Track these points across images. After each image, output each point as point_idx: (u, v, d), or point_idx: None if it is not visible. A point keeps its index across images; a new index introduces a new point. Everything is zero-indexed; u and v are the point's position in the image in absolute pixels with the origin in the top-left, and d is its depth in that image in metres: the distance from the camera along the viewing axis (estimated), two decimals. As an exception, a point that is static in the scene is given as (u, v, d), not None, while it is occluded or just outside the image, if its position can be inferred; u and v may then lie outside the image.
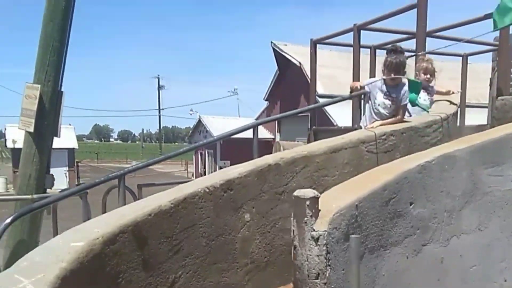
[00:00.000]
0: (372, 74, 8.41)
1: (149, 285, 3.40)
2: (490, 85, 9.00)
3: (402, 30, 7.81)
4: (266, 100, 28.93)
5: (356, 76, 7.69)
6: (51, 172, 5.62)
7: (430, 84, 5.71)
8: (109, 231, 3.12)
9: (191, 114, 47.90)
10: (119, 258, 3.18)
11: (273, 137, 27.61)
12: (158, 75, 66.82)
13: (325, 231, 2.62)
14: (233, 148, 26.56)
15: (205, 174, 32.35)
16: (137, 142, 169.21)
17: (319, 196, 2.67)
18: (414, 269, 3.43)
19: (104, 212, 5.65)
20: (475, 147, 3.73)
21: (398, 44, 5.36)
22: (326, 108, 22.63)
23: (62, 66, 5.55)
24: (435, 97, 5.83)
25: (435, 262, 3.59)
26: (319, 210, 2.68)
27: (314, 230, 2.63)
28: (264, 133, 28.37)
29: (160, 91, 66.46)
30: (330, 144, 4.54)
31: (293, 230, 2.69)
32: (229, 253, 3.95)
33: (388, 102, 5.04)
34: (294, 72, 25.59)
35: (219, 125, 31.12)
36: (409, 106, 5.22)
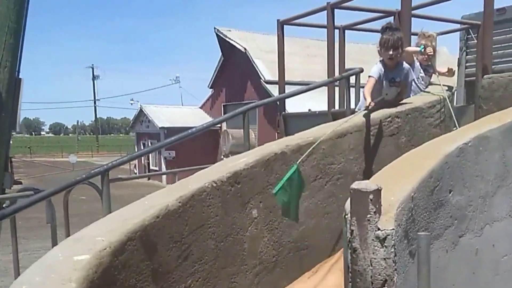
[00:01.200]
0: (342, 57, 8.05)
1: (159, 299, 2.90)
2: (458, 65, 8.91)
3: (381, 8, 7.50)
4: (211, 88, 28.30)
5: (331, 61, 7.31)
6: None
7: (429, 63, 5.37)
8: (116, 239, 2.60)
9: (131, 104, 46.48)
10: (128, 270, 2.67)
11: (219, 125, 27.04)
12: (92, 64, 64.48)
13: (393, 229, 2.23)
14: (177, 138, 25.86)
15: (149, 166, 31.42)
16: (70, 134, 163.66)
17: (382, 189, 2.27)
18: (452, 264, 3.11)
19: (67, 213, 5.03)
20: (505, 126, 3.44)
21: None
22: (276, 95, 22.35)
23: (20, 50, 4.86)
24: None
25: (470, 254, 3.28)
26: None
27: (379, 229, 2.23)
28: (209, 121, 27.80)
29: (95, 81, 64.14)
30: (336, 128, 4.15)
31: (352, 231, 2.28)
32: (238, 254, 3.51)
33: (394, 90, 4.66)
34: (239, 58, 25.13)
35: (161, 114, 30.24)
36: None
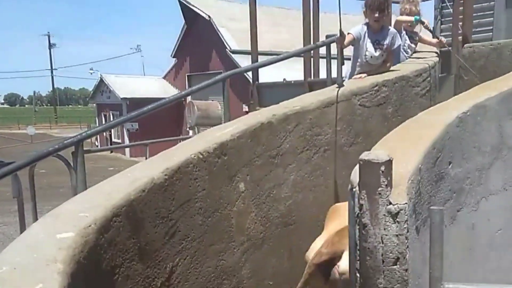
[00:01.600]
0: (316, 25, 7.77)
1: (146, 278, 2.70)
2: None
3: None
4: (174, 57, 27.68)
5: (306, 28, 7.07)
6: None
7: (415, 30, 5.21)
8: (101, 215, 2.37)
9: (91, 74, 45.22)
10: (114, 248, 2.45)
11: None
12: (48, 32, 62.24)
13: (406, 203, 2.08)
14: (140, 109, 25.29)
15: (111, 139, 30.74)
16: (26, 106, 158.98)
17: (393, 159, 2.11)
18: (450, 240, 3.00)
19: (33, 189, 4.73)
20: (503, 95, 3.33)
21: None
22: (243, 65, 22.01)
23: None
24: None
25: (467, 229, 3.19)
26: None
27: (391, 203, 2.08)
28: (172, 92, 27.22)
29: (52, 50, 62.06)
30: (322, 97, 3.98)
31: (361, 205, 2.12)
32: (225, 230, 3.33)
33: (379, 53, 4.52)
34: (203, 26, 24.59)
35: (123, 85, 29.48)
36: None
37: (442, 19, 8.55)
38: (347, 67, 4.79)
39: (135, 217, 2.61)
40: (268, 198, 3.65)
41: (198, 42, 25.24)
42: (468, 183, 3.14)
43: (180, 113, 25.42)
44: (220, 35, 23.60)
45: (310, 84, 7.01)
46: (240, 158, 3.44)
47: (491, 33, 7.49)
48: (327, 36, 5.31)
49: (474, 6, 7.85)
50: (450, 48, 5.15)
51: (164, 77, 28.70)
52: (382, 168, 2.09)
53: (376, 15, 4.43)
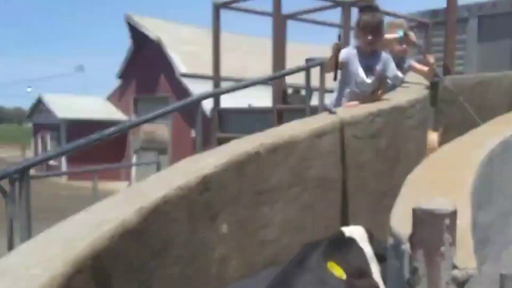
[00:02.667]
0: (282, 51, 7.39)
1: None
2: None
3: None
4: (119, 78, 26.69)
5: (276, 54, 6.65)
6: None
7: (406, 58, 4.79)
8: (58, 271, 1.75)
9: (28, 92, 43.31)
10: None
11: (128, 118, 25.56)
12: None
13: (475, 268, 1.59)
14: (80, 131, 24.08)
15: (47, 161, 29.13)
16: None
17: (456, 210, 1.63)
18: None
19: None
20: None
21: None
22: (192, 89, 21.44)
23: None
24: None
25: (492, 283, 2.74)
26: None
27: (456, 267, 1.58)
28: (116, 113, 26.22)
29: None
30: (314, 126, 3.50)
31: (415, 268, 1.62)
32: (205, 282, 2.73)
33: (371, 80, 4.09)
34: (152, 48, 23.85)
35: (62, 104, 28.11)
36: None
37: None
38: (330, 97, 4.33)
39: (102, 273, 2.00)
40: (253, 242, 3.10)
41: (146, 64, 24.44)
42: (492, 232, 2.70)
43: (123, 136, 24.38)
44: (169, 58, 22.96)
45: (280, 111, 6.57)
46: (224, 195, 2.88)
47: (461, 67, 7.30)
48: (307, 60, 4.87)
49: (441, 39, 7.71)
50: (438, 78, 4.79)
51: (108, 98, 27.59)
52: (447, 221, 1.59)
53: (370, 37, 4.03)
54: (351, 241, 2.62)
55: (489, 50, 7.47)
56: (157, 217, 2.38)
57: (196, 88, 21.86)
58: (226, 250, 2.89)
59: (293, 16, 7.57)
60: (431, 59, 4.59)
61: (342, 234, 2.69)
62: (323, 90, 4.62)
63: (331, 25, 7.93)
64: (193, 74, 22.41)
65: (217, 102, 7.71)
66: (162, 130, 22.18)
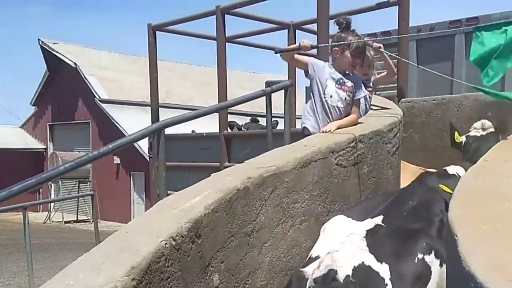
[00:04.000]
0: (223, 77, 6.96)
1: None
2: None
3: (276, 19, 6.69)
4: (33, 105, 25.19)
5: (221, 78, 6.25)
6: None
7: (369, 77, 4.55)
8: None
9: None
10: None
11: (44, 147, 24.11)
12: None
13: None
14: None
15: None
16: None
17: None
18: None
19: None
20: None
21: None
22: (114, 115, 20.58)
23: None
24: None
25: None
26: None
27: None
28: (31, 142, 24.68)
29: None
30: (298, 155, 3.14)
31: None
32: None
33: (343, 94, 3.81)
34: (68, 74, 22.76)
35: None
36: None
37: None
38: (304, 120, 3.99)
39: None
40: (243, 292, 2.67)
41: (62, 90, 23.24)
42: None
43: (40, 165, 22.94)
44: (88, 84, 21.98)
45: (227, 138, 6.18)
46: (214, 240, 2.45)
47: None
48: (267, 83, 4.53)
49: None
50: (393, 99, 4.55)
51: (22, 126, 25.94)
52: None
53: (358, 61, 3.82)
54: (454, 176, 3.47)
55: (428, 73, 7.50)
56: (150, 278, 1.92)
57: (118, 114, 21.08)
58: (218, 305, 2.45)
59: (233, 39, 7.23)
60: (377, 44, 4.36)
61: (446, 171, 3.63)
62: (289, 115, 4.28)
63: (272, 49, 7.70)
64: (112, 99, 21.63)
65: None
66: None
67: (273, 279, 2.91)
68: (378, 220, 2.83)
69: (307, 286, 2.39)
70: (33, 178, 2.77)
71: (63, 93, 23.23)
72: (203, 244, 2.35)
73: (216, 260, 2.46)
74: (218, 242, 2.47)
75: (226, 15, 6.29)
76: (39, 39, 24.21)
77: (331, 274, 2.32)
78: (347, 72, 3.92)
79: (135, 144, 20.05)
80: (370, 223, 2.83)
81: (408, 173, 4.14)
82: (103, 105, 21.10)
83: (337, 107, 3.80)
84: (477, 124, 4.42)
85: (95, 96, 21.43)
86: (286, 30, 6.95)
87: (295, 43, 7.07)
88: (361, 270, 2.39)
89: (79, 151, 20.84)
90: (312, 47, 3.89)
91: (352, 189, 3.51)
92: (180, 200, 2.48)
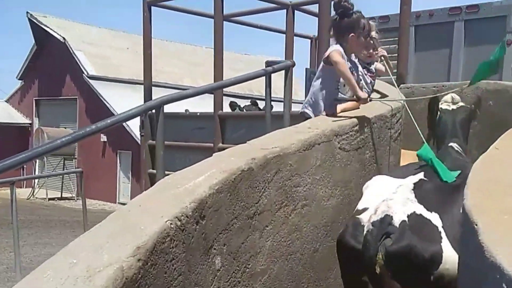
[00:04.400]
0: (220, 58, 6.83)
1: None
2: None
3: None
4: (20, 79, 24.75)
5: (218, 57, 6.10)
6: None
7: (373, 60, 4.43)
8: None
9: None
10: None
11: (30, 122, 23.74)
12: None
13: None
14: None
15: None
16: None
17: None
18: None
19: None
20: None
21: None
22: (102, 93, 20.31)
23: None
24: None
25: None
26: None
27: None
28: (17, 117, 24.30)
29: None
30: (302, 137, 3.06)
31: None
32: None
33: (369, 80, 3.74)
34: (56, 48, 22.32)
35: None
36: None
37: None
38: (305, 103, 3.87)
39: None
40: (244, 275, 2.61)
41: (50, 65, 22.83)
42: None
43: (25, 140, 22.62)
44: (76, 59, 21.61)
45: (222, 118, 6.08)
46: (218, 222, 2.37)
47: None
48: (268, 63, 4.42)
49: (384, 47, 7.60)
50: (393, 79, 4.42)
51: (7, 101, 25.50)
52: None
53: (371, 51, 3.75)
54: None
55: (426, 60, 7.44)
56: (156, 259, 1.84)
57: (106, 91, 20.79)
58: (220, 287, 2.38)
59: (231, 18, 7.08)
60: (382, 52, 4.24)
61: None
62: (289, 97, 4.20)
63: (273, 30, 7.59)
64: (102, 76, 21.33)
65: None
66: (67, 134, 20.61)
67: (273, 263, 2.85)
68: (421, 176, 3.03)
69: (365, 229, 2.65)
70: (27, 152, 2.66)
71: (50, 68, 22.82)
72: (207, 226, 2.27)
73: (219, 243, 2.39)
74: (221, 224, 2.39)
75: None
76: (27, 12, 23.71)
77: (387, 219, 2.61)
78: (353, 57, 3.82)
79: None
80: (413, 178, 3.00)
81: (406, 161, 4.08)
82: (91, 81, 20.79)
83: (345, 95, 3.67)
84: (448, 97, 4.40)
85: (83, 72, 21.09)
86: (285, 10, 6.82)
87: (293, 24, 6.99)
88: (414, 218, 2.64)
89: (65, 127, 20.60)
90: (370, 99, 3.59)
91: (354, 174, 3.45)
92: (182, 179, 2.39)
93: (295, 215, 3.01)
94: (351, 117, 3.43)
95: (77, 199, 18.93)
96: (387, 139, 3.71)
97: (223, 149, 6.03)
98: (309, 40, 8.18)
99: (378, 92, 4.25)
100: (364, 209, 2.80)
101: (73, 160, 20.58)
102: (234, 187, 2.50)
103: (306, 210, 3.08)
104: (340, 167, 3.32)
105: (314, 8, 6.89)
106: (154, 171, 6.92)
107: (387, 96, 4.03)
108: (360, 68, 3.88)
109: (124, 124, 19.37)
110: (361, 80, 3.91)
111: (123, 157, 19.80)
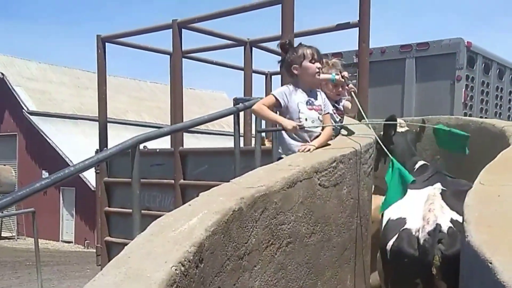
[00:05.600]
0: (179, 94, 6.80)
1: None
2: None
3: (233, 36, 6.60)
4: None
5: (178, 104, 6.05)
6: None
7: (341, 97, 4.48)
8: None
9: None
10: None
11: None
12: None
13: None
14: None
15: None
16: None
17: None
18: None
19: None
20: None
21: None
22: (43, 128, 19.70)
23: None
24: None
25: None
26: None
27: None
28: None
29: None
30: (285, 174, 3.05)
31: None
32: None
33: (315, 114, 3.76)
34: (-6, 83, 21.63)
35: None
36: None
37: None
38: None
39: None
40: (235, 319, 2.53)
41: (-13, 99, 22.04)
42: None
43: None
44: (16, 95, 21.00)
45: (183, 154, 6.01)
46: (213, 264, 2.31)
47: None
48: (236, 100, 4.43)
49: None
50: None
51: None
52: None
53: (319, 65, 3.75)
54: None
55: (379, 95, 7.66)
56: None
57: (47, 126, 20.21)
58: (215, 335, 2.30)
59: (190, 54, 7.09)
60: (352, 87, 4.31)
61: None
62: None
63: (230, 66, 7.64)
64: (42, 112, 20.75)
65: (104, 142, 6.91)
66: (6, 172, 19.87)
67: (260, 304, 2.79)
68: (440, 185, 3.64)
69: (421, 238, 3.22)
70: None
71: (-13, 103, 22.02)
72: (204, 269, 2.20)
73: (214, 286, 2.32)
74: (216, 266, 2.33)
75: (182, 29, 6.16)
76: (-38, 47, 22.91)
77: (438, 227, 3.16)
78: (311, 90, 3.87)
79: (64, 157, 19.27)
80: (435, 187, 3.62)
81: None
82: (31, 117, 20.19)
83: (314, 130, 3.73)
84: (401, 120, 5.10)
85: (23, 108, 20.47)
86: (243, 47, 6.89)
87: (251, 61, 7.06)
88: (456, 224, 3.11)
89: (4, 164, 19.77)
90: (300, 127, 3.67)
91: (332, 210, 3.45)
92: (175, 221, 2.32)
93: (280, 253, 2.97)
94: (329, 153, 3.45)
95: (17, 238, 18.08)
96: (361, 174, 3.76)
97: (185, 185, 6.03)
98: (264, 76, 8.29)
99: (346, 129, 4.32)
100: (399, 219, 3.52)
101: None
102: (227, 228, 2.44)
103: (290, 248, 3.05)
104: (320, 204, 3.32)
105: (269, 44, 7.04)
106: (112, 209, 6.77)
107: (353, 133, 4.10)
108: (324, 99, 3.91)
109: (65, 158, 18.83)
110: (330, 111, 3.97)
111: (66, 193, 19.17)
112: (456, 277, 2.73)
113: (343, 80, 4.18)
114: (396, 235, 3.46)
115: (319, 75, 3.80)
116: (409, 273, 3.29)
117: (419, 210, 3.43)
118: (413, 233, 3.30)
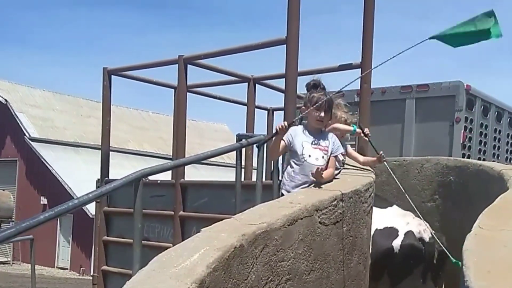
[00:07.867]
0: (182, 127, 6.83)
1: None
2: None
3: (236, 72, 6.72)
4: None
5: (181, 137, 6.14)
6: None
7: (345, 143, 4.57)
8: None
9: None
10: None
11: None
12: None
13: None
14: None
15: None
16: None
17: None
18: None
19: None
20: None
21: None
22: (43, 155, 19.75)
23: None
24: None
25: None
26: None
27: None
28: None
29: None
30: (287, 212, 3.11)
31: None
32: None
33: (319, 154, 3.85)
34: (-3, 110, 21.80)
35: None
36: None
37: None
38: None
39: None
40: None
41: (-10, 127, 22.18)
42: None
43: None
44: (18, 121, 21.14)
45: (184, 186, 6.04)
46: (214, 301, 2.33)
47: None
48: (239, 136, 4.51)
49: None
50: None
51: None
52: None
53: (322, 114, 3.85)
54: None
55: (379, 135, 7.74)
56: None
57: (48, 153, 20.27)
58: None
59: (194, 88, 7.19)
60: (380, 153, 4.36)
61: None
62: (261, 168, 4.26)
63: (234, 102, 7.75)
64: (44, 138, 20.85)
65: (106, 172, 6.96)
66: (5, 197, 19.86)
67: None
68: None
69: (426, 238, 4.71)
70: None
71: (-10, 131, 22.16)
72: (206, 306, 2.23)
73: (215, 324, 2.34)
74: (217, 303, 2.36)
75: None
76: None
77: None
78: (322, 130, 3.99)
79: (64, 184, 19.29)
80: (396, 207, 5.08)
81: None
82: (32, 143, 20.27)
83: (317, 165, 3.81)
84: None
85: (24, 134, 20.57)
86: (246, 84, 7.01)
87: (254, 97, 7.18)
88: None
89: (3, 189, 19.76)
90: (289, 125, 3.83)
91: (332, 248, 3.50)
92: (177, 257, 2.36)
93: (279, 290, 3.01)
94: (330, 192, 3.51)
95: (12, 263, 17.97)
96: (361, 213, 3.81)
97: (184, 217, 6.05)
98: (266, 112, 8.40)
99: (349, 165, 4.39)
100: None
101: (10, 223, 19.64)
102: (228, 264, 2.49)
103: (289, 285, 3.09)
104: (320, 241, 3.37)
105: (273, 82, 7.16)
106: (110, 238, 6.77)
107: (357, 172, 4.17)
108: (334, 142, 4.00)
109: (65, 185, 18.84)
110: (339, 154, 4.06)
111: (64, 220, 19.11)
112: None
113: (363, 135, 4.33)
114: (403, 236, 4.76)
115: (321, 124, 3.93)
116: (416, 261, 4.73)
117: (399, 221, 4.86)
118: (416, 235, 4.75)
